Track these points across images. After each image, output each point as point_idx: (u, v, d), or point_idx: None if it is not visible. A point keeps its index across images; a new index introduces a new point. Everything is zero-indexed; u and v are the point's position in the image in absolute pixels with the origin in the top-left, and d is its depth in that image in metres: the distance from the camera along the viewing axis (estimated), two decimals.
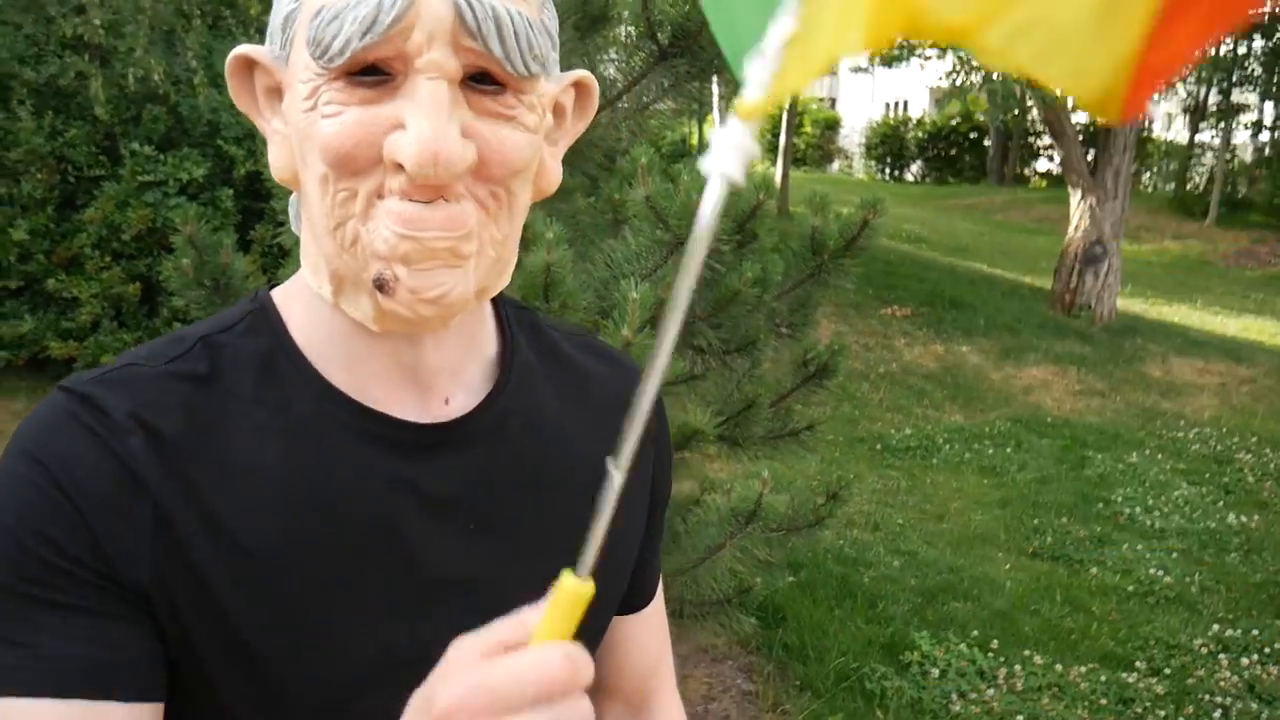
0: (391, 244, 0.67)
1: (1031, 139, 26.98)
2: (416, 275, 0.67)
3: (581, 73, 0.79)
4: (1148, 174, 24.77)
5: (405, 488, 0.75)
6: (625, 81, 2.99)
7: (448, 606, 0.76)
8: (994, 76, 10.42)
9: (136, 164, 6.13)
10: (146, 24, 6.18)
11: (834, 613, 4.18)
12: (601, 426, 0.81)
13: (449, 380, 0.79)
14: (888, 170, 30.24)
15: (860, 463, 6.41)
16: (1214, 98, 21.65)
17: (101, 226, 6.13)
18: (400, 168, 0.65)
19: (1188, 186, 21.83)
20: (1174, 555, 5.19)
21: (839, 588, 4.46)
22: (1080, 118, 22.00)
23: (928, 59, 18.21)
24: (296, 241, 0.83)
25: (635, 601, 0.96)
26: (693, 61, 2.98)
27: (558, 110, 0.78)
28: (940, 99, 31.39)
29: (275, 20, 0.72)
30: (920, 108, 33.18)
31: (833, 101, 37.81)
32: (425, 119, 0.64)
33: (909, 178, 29.80)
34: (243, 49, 0.73)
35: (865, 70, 17.77)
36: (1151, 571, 4.93)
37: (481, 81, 0.68)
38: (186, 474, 0.70)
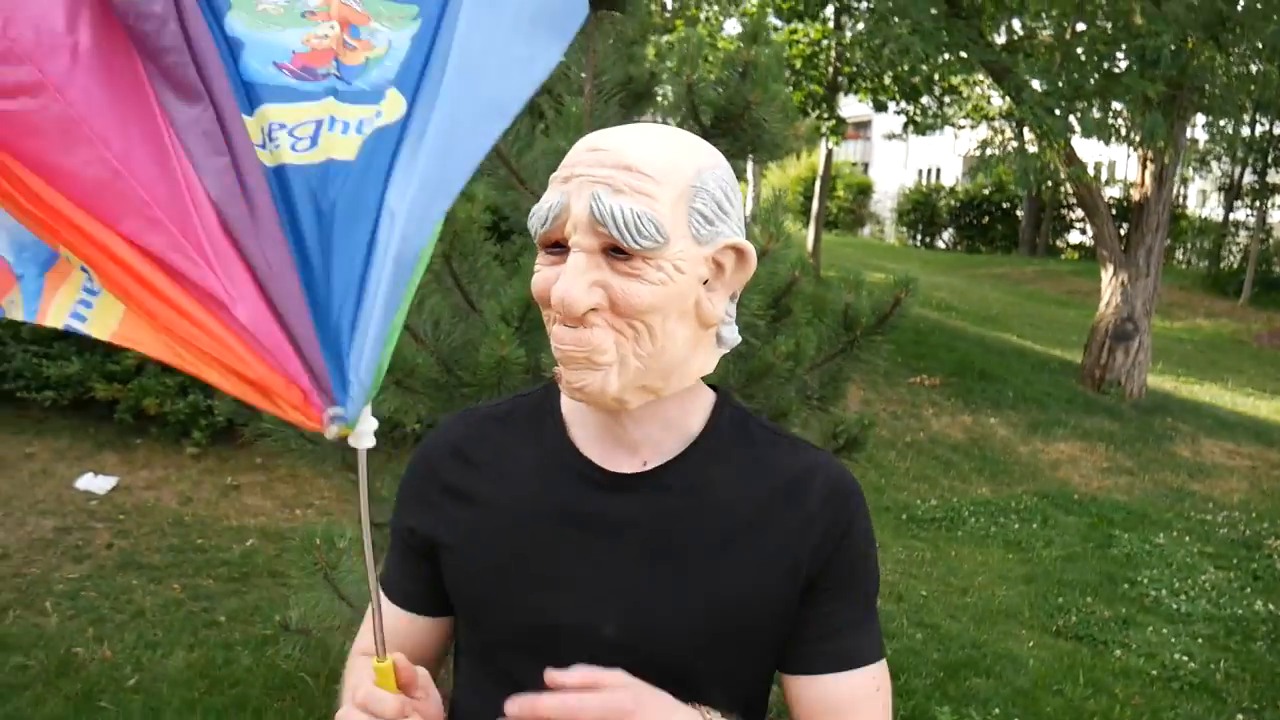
0: (555, 350, 1.06)
1: (1064, 210, 27.04)
2: (569, 372, 1.06)
3: (740, 241, 1.09)
4: (1180, 251, 24.73)
5: (595, 515, 1.11)
6: None
7: (601, 603, 1.09)
8: (1026, 148, 10.48)
9: None
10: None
11: None
12: (765, 498, 1.12)
13: (650, 449, 1.13)
14: (919, 236, 30.36)
15: (885, 532, 6.41)
16: (1249, 177, 21.67)
17: None
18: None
19: (1221, 265, 21.76)
20: (1199, 640, 5.16)
21: None
22: (1113, 192, 22.06)
23: (961, 128, 18.41)
24: None
25: (802, 666, 1.14)
26: (733, 142, 3.09)
27: (719, 265, 1.08)
28: (972, 168, 31.62)
29: None
30: (953, 175, 33.38)
31: (865, 166, 38.11)
32: (564, 277, 1.02)
33: (940, 244, 29.89)
34: None
35: (898, 137, 17.94)
36: (1176, 656, 4.90)
37: (617, 252, 1.02)
38: (471, 478, 1.17)
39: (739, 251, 1.09)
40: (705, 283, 1.06)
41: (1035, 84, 9.57)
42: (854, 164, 37.34)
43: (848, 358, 3.25)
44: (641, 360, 1.04)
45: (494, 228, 3.42)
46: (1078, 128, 9.81)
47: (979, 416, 9.34)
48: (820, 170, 17.57)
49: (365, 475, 1.01)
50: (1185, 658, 4.87)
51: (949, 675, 4.43)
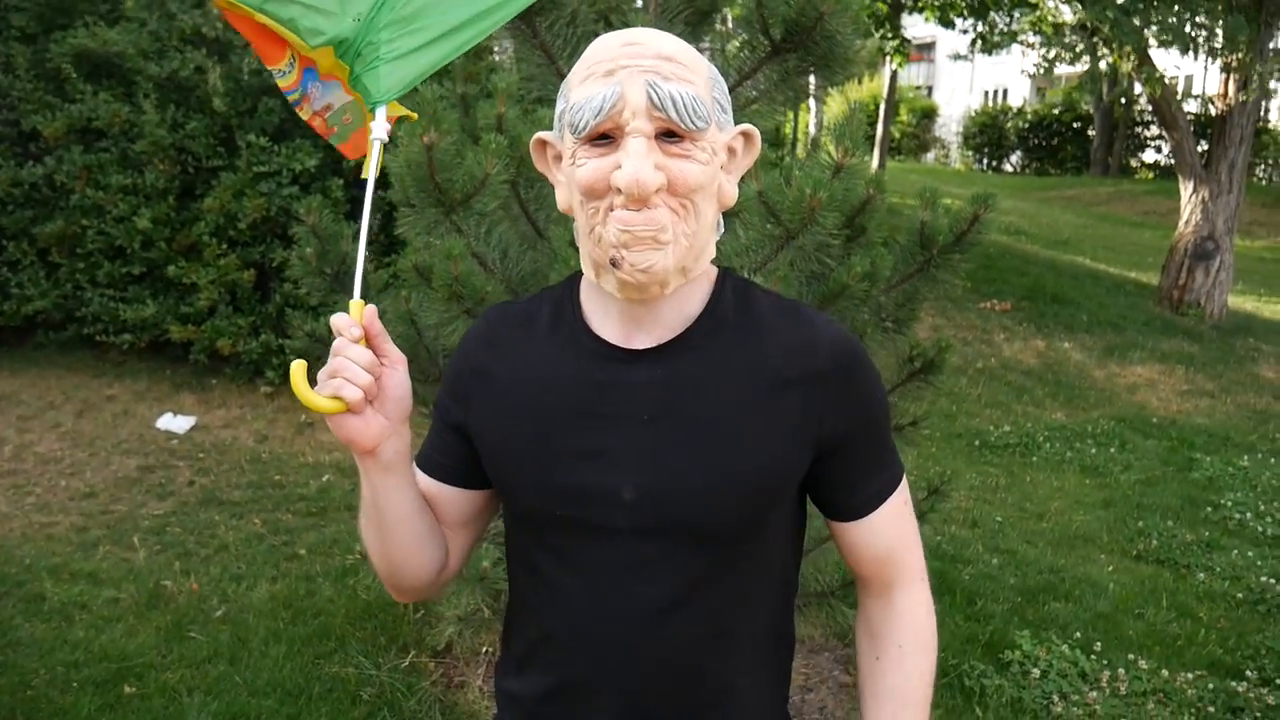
0: (618, 236, 1.09)
1: (1138, 129, 26.06)
2: (634, 254, 1.10)
3: (747, 126, 1.20)
4: (1261, 167, 23.73)
5: (611, 385, 1.19)
6: (735, 76, 3.00)
7: (618, 466, 1.17)
8: (1098, 59, 10.04)
9: (252, 155, 6.36)
10: None
11: None
12: (771, 362, 1.18)
13: (664, 329, 1.20)
14: (986, 160, 29.55)
15: (958, 458, 6.33)
16: None
17: (219, 215, 6.38)
18: (619, 190, 1.08)
19: None
20: None
21: (937, 584, 4.43)
22: (1191, 107, 21.20)
23: (1030, 45, 17.76)
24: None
25: (843, 513, 1.26)
26: (803, 57, 2.98)
27: (731, 150, 1.19)
28: (1042, 87, 30.56)
29: (555, 116, 1.20)
30: (1020, 96, 32.34)
31: (929, 89, 37.09)
32: (630, 159, 1.07)
33: (1008, 168, 29.06)
34: (538, 135, 1.22)
35: (964, 58, 17.36)
36: (1263, 579, 4.77)
37: (669, 136, 1.10)
38: (499, 362, 1.26)
39: (747, 136, 1.20)
40: (722, 167, 1.16)
41: None
42: (917, 87, 36.33)
43: (924, 278, 3.15)
44: (688, 239, 1.12)
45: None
46: (1153, 38, 9.37)
47: (1052, 341, 9.12)
48: (884, 94, 17.11)
49: (375, 165, 1.27)
50: (1272, 580, 4.74)
51: (1027, 600, 4.37)
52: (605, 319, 1.22)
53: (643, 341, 1.20)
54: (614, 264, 1.11)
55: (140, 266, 6.51)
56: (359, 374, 1.12)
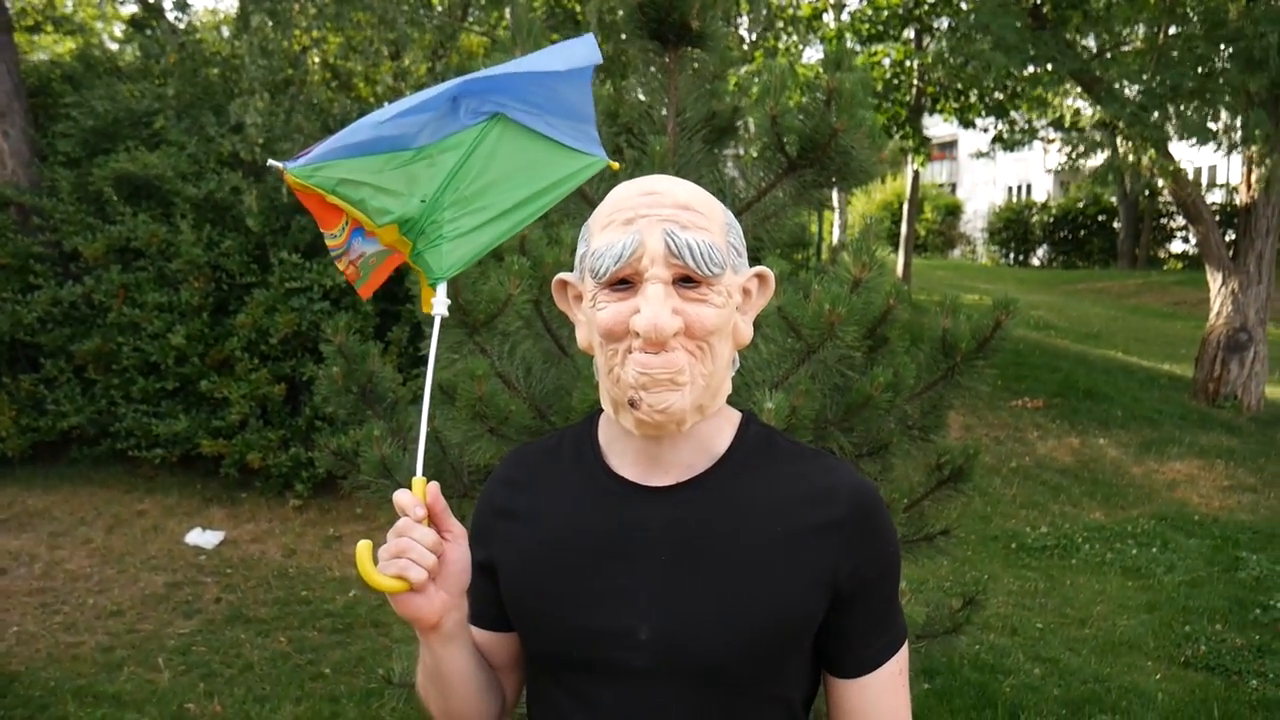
0: (636, 378, 1.13)
1: (1164, 220, 26.11)
2: (651, 395, 1.13)
3: (762, 269, 1.25)
4: None
5: (630, 526, 1.20)
6: (752, 191, 3.05)
7: (635, 606, 1.17)
8: (1121, 152, 10.10)
9: (285, 271, 6.51)
10: (301, 141, 6.61)
11: None
12: (790, 508, 1.20)
13: (682, 469, 1.22)
14: (1012, 255, 29.65)
15: (994, 562, 6.19)
16: None
17: (251, 330, 6.50)
18: (637, 334, 1.11)
19: None
20: None
21: (977, 697, 4.29)
22: (1215, 198, 21.21)
23: (1050, 141, 17.96)
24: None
25: (842, 669, 1.24)
26: (820, 171, 3.03)
27: (746, 292, 1.23)
28: (1065, 181, 30.78)
29: (576, 259, 1.24)
30: (1044, 190, 32.58)
31: (953, 187, 37.47)
32: (649, 305, 1.11)
33: (1034, 262, 29.13)
34: (560, 276, 1.27)
35: (986, 155, 17.58)
36: None
37: (685, 281, 1.14)
38: (520, 501, 1.28)
39: (761, 278, 1.25)
40: (737, 308, 1.21)
41: (1128, 89, 9.26)
42: (941, 185, 36.73)
43: (948, 385, 3.12)
44: (705, 379, 1.16)
45: None
46: (1173, 131, 9.44)
47: (1087, 438, 8.99)
48: (907, 193, 17.30)
49: (436, 341, 1.32)
50: None
51: (1072, 712, 4.21)
52: (624, 457, 1.24)
53: (661, 480, 1.22)
54: (632, 404, 1.14)
55: (174, 382, 6.61)
56: (424, 555, 1.13)
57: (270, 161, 1.30)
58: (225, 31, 8.63)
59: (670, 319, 1.11)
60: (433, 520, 1.17)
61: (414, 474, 1.21)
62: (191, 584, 5.58)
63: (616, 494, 1.23)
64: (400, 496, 1.15)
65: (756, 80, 3.04)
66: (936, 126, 18.45)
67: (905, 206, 17.20)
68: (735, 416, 1.28)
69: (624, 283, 1.15)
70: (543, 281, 2.93)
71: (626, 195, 1.18)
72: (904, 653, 1.26)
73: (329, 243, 1.36)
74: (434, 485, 1.18)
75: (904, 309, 3.05)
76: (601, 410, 1.30)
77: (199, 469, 6.82)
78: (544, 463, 1.31)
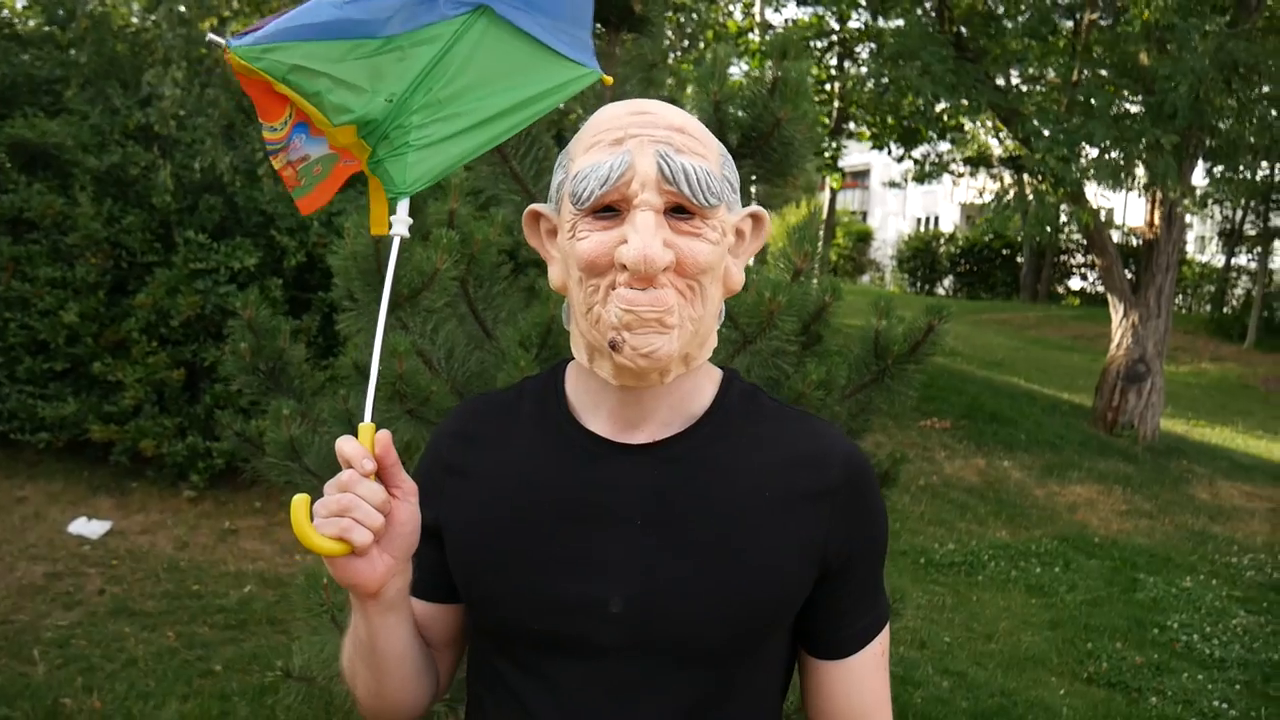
0: (620, 316, 1.00)
1: (1064, 257, 27.02)
2: (636, 337, 1.00)
3: (757, 208, 1.12)
4: (1181, 295, 24.66)
5: (599, 486, 1.07)
6: None
7: (605, 575, 1.05)
8: (1041, 196, 10.37)
9: (190, 251, 6.21)
10: (218, 116, 6.33)
11: None
12: (778, 473, 1.09)
13: (657, 427, 1.10)
14: (919, 283, 30.34)
15: (904, 577, 6.22)
16: (1250, 220, 21.67)
17: (151, 312, 6.18)
18: (624, 267, 0.99)
19: (1224, 309, 21.67)
20: (1236, 687, 4.95)
21: None
22: (1115, 236, 22.05)
23: (961, 175, 18.44)
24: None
25: (825, 650, 1.14)
26: (761, 162, 2.97)
27: (739, 233, 1.11)
28: (972, 215, 31.67)
29: (551, 187, 1.12)
30: (951, 222, 33.46)
31: (864, 214, 38.26)
32: (639, 235, 0.98)
33: (940, 291, 29.85)
34: (532, 207, 1.13)
35: (898, 185, 17.97)
36: (1215, 704, 4.70)
37: (678, 212, 1.02)
38: (474, 458, 1.14)
39: (756, 219, 1.12)
40: (729, 250, 1.09)
41: (1045, 131, 9.50)
42: (853, 212, 37.45)
43: (878, 388, 3.09)
44: (693, 323, 1.03)
45: (511, 255, 3.28)
46: (1086, 174, 9.72)
47: (992, 460, 9.16)
48: (824, 215, 17.57)
49: (394, 263, 1.14)
50: (1224, 705, 4.67)
51: None
52: (596, 412, 1.11)
53: (636, 437, 1.09)
54: (613, 347, 1.01)
55: (63, 362, 6.24)
56: (370, 515, 0.98)
57: (210, 36, 1.12)
58: (135, 5, 8.25)
59: (662, 251, 0.98)
60: (383, 476, 1.02)
61: (351, 432, 1.03)
62: (73, 575, 5.26)
63: (586, 451, 1.09)
64: (345, 445, 0.99)
65: (695, 70, 2.99)
66: (850, 155, 18.77)
67: (820, 229, 17.46)
68: (717, 374, 1.16)
69: (609, 210, 1.02)
70: (470, 259, 2.81)
71: (615, 115, 1.05)
72: (886, 633, 1.17)
73: (266, 135, 1.16)
74: (384, 434, 1.01)
75: (839, 307, 3.01)
76: (566, 361, 1.18)
77: (87, 455, 6.45)
78: (500, 415, 1.17)
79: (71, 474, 6.40)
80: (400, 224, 1.14)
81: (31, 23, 8.47)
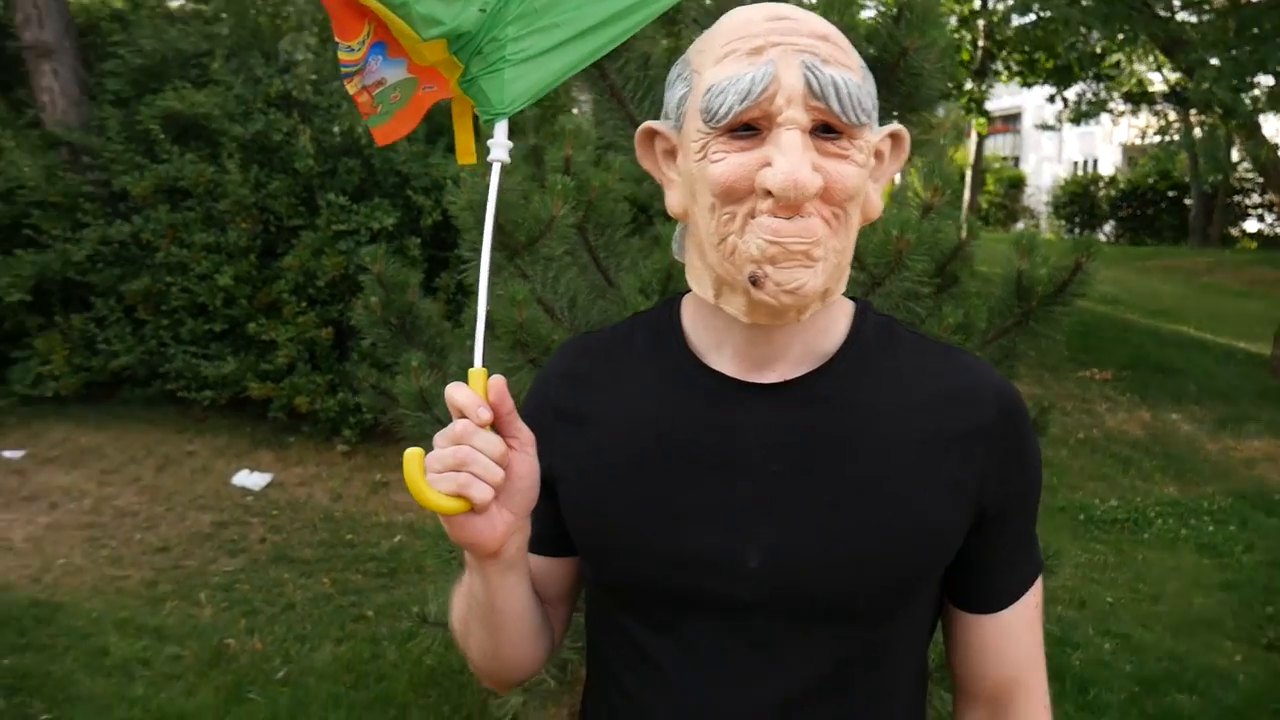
0: (762, 249, 0.90)
1: (1238, 197, 25.18)
2: (781, 271, 0.90)
3: (896, 125, 1.00)
4: None
5: (730, 429, 0.98)
6: None
7: (740, 527, 0.96)
8: (1202, 133, 9.62)
9: (332, 214, 6.40)
10: None
11: None
12: (927, 411, 0.99)
13: (790, 365, 1.00)
14: (1077, 230, 28.85)
15: (1061, 534, 5.93)
16: None
17: (299, 273, 6.41)
18: (768, 193, 0.89)
19: None
20: None
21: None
22: None
23: (1120, 114, 17.32)
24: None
25: (978, 603, 1.06)
26: (888, 97, 2.79)
27: (878, 155, 0.99)
28: (1134, 156, 29.87)
29: (670, 102, 1.00)
30: (1110, 165, 31.65)
31: (1016, 160, 36.58)
32: (786, 157, 0.88)
33: (1100, 237, 28.32)
34: (647, 124, 1.02)
35: (1050, 128, 17.04)
36: None
37: (825, 131, 0.91)
38: (586, 401, 1.05)
39: (896, 138, 1.00)
40: (871, 173, 0.98)
41: (1212, 60, 8.78)
42: (1004, 158, 35.85)
43: (1023, 332, 2.90)
44: (838, 255, 0.94)
45: (643, 208, 3.21)
46: (1259, 105, 8.95)
47: (1158, 412, 8.63)
48: (970, 161, 16.85)
49: (495, 191, 1.02)
50: None
51: (1146, 690, 3.98)
52: (720, 350, 1.02)
53: (767, 376, 1.00)
54: (754, 281, 0.91)
55: (222, 324, 6.56)
56: (489, 469, 0.89)
57: None
58: None
59: (812, 175, 0.88)
60: (499, 426, 0.92)
61: (472, 366, 0.94)
62: (238, 524, 5.54)
63: (712, 391, 1.00)
64: (456, 393, 0.90)
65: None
66: (999, 98, 17.90)
67: (968, 175, 16.74)
68: (849, 306, 1.06)
69: (746, 129, 0.91)
70: (588, 206, 2.76)
71: (749, 20, 0.93)
72: (1040, 586, 1.08)
73: (342, 55, 1.08)
74: (498, 379, 0.92)
75: (977, 245, 2.83)
76: (681, 295, 1.09)
77: (248, 412, 6.78)
78: (613, 354, 1.08)
79: (235, 429, 6.74)
80: (500, 148, 1.04)
81: (178, 1, 8.87)
